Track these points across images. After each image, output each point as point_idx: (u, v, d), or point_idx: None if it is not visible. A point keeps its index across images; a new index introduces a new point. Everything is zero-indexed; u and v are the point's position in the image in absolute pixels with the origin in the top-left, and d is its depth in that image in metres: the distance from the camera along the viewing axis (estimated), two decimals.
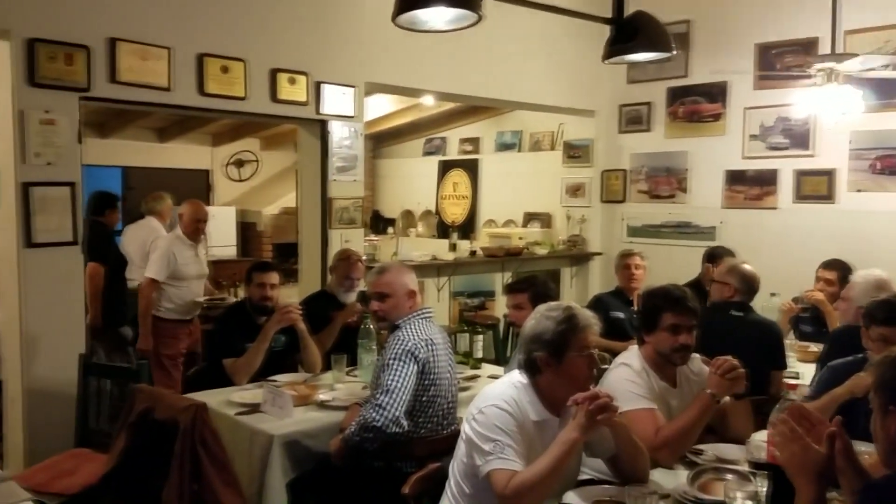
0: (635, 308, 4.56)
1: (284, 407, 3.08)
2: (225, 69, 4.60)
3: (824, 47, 5.44)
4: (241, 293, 5.56)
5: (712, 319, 3.44)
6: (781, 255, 5.87)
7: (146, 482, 2.66)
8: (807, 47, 5.83)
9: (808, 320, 4.60)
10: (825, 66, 4.54)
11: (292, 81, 4.91)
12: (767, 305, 4.57)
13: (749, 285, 3.84)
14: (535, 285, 3.59)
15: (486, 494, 2.15)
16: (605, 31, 3.24)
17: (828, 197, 5.86)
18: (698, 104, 6.56)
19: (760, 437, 2.25)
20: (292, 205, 7.98)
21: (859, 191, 5.73)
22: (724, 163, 6.42)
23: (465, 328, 4.36)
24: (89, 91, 4.08)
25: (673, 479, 2.33)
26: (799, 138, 5.99)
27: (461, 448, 2.28)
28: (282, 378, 3.62)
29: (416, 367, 2.89)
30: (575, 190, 7.56)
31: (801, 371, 3.82)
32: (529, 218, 8.43)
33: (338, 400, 3.27)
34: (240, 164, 9.68)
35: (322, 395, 3.33)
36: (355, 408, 3.06)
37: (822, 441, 1.63)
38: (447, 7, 2.53)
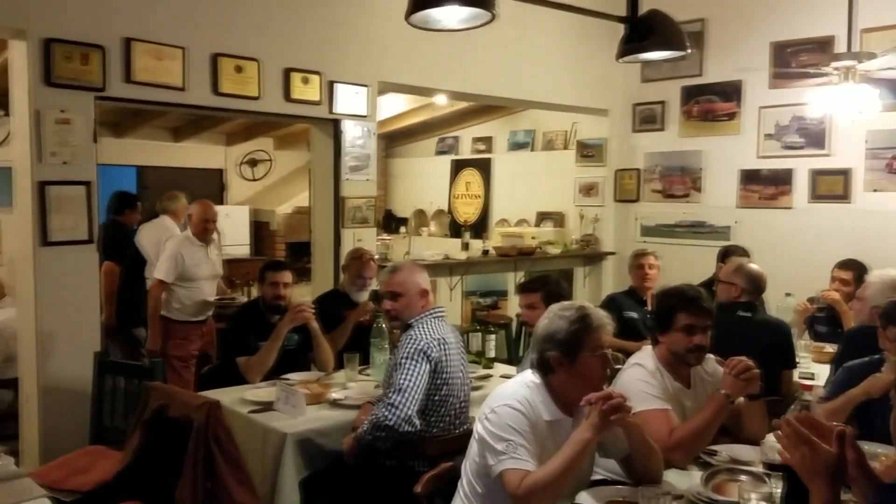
0: (649, 308, 4.55)
1: (297, 405, 3.08)
2: (239, 69, 4.61)
3: (840, 46, 5.39)
4: (255, 292, 5.58)
5: (720, 320, 3.42)
6: (796, 256, 5.83)
7: (160, 479, 2.67)
8: (822, 46, 5.78)
9: (824, 320, 4.56)
10: (844, 64, 4.50)
11: (305, 81, 4.92)
12: (782, 306, 4.54)
13: (756, 285, 3.81)
14: (547, 285, 3.57)
15: (498, 494, 2.15)
16: (619, 30, 3.23)
17: (843, 197, 5.81)
18: (713, 103, 6.52)
19: (774, 438, 2.23)
20: (305, 204, 8.01)
21: (875, 190, 5.67)
22: (738, 162, 6.38)
23: (478, 327, 4.35)
24: (104, 91, 4.11)
25: (686, 479, 2.32)
26: (814, 137, 5.94)
27: (474, 447, 2.27)
28: (295, 376, 3.63)
29: (428, 366, 2.89)
30: (588, 189, 7.54)
31: (816, 372, 3.79)
32: (542, 217, 8.42)
33: (350, 399, 3.28)
34: (253, 163, 9.72)
35: (334, 394, 3.33)
36: (368, 406, 3.07)
37: (831, 440, 1.61)
38: (461, 6, 2.53)
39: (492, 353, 4.23)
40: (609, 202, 7.33)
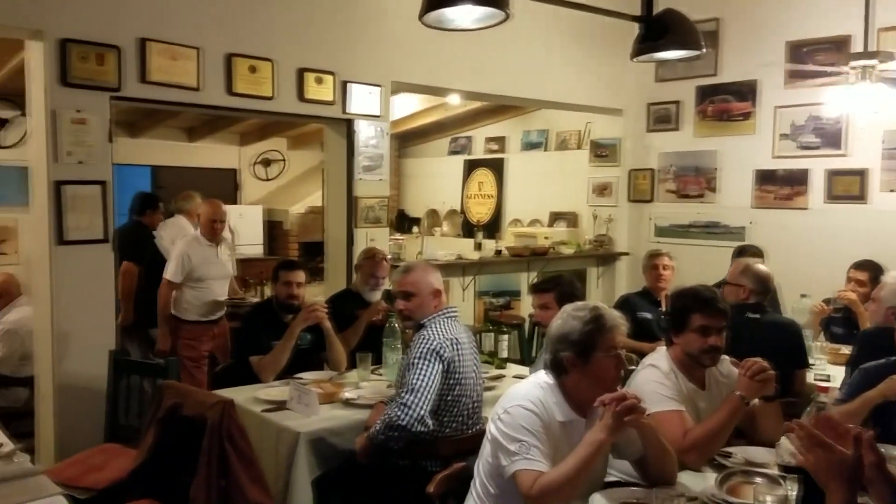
0: (663, 309, 4.53)
1: (310, 405, 3.09)
2: (253, 69, 4.63)
3: (857, 45, 5.35)
4: (268, 291, 5.60)
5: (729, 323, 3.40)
6: (812, 256, 5.79)
7: (174, 477, 2.69)
8: (839, 45, 5.73)
9: (839, 322, 4.53)
10: (863, 63, 4.47)
11: (319, 81, 4.93)
12: (798, 307, 4.51)
13: (763, 285, 3.78)
14: (561, 285, 3.56)
15: (511, 495, 2.14)
16: (634, 29, 3.22)
17: (860, 197, 5.75)
18: (728, 103, 6.48)
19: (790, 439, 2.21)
20: (318, 204, 8.04)
21: (892, 191, 5.62)
22: (753, 162, 6.34)
23: (491, 328, 4.35)
24: (120, 91, 4.13)
25: (701, 481, 2.30)
26: (831, 137, 5.89)
27: (486, 448, 2.27)
28: (308, 376, 3.64)
29: (441, 366, 2.89)
30: (602, 189, 7.51)
31: (832, 373, 3.77)
32: (555, 217, 8.39)
33: (363, 398, 3.28)
34: (267, 163, 9.75)
35: (347, 394, 3.34)
36: (380, 406, 3.07)
37: (848, 442, 1.60)
38: (474, 5, 2.53)
39: (504, 354, 4.23)
40: (623, 202, 7.30)
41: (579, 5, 3.21)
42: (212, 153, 9.33)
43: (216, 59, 4.49)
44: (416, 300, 3.07)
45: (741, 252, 4.94)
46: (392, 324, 3.68)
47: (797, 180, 6.10)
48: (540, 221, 8.56)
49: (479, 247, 7.53)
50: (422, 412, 2.78)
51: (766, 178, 6.29)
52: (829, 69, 5.16)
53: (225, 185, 9.30)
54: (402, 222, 9.86)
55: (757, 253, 5.00)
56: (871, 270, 4.48)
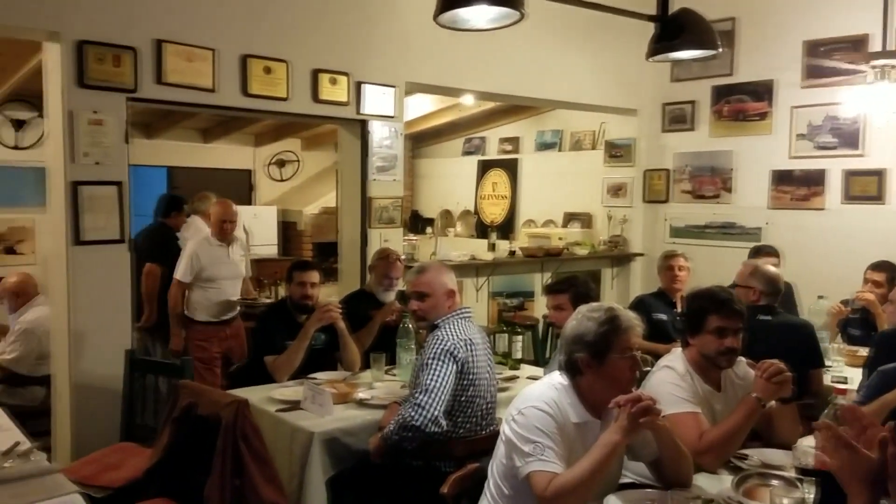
0: (678, 310, 4.50)
1: (324, 405, 3.10)
2: (268, 70, 4.65)
3: (875, 44, 5.30)
4: (282, 292, 5.61)
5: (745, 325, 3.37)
6: (829, 257, 5.74)
7: (189, 476, 2.70)
8: (857, 44, 5.68)
9: (857, 323, 4.49)
10: (882, 63, 4.43)
11: (333, 82, 4.94)
12: (815, 308, 4.47)
13: (774, 286, 3.75)
14: (575, 286, 3.55)
15: (525, 496, 2.13)
16: (649, 29, 3.21)
17: (878, 198, 5.70)
18: (744, 103, 6.44)
19: (808, 442, 2.20)
20: (332, 204, 8.05)
21: None
22: (770, 162, 6.29)
23: (504, 328, 4.35)
24: (136, 92, 4.16)
25: (717, 484, 2.28)
26: (848, 137, 5.84)
27: (500, 449, 2.26)
28: (322, 376, 3.65)
29: (454, 366, 2.88)
30: (616, 190, 7.48)
31: (849, 375, 3.74)
32: (569, 218, 8.37)
33: (377, 398, 3.28)
34: (281, 164, 9.78)
35: (361, 394, 3.34)
36: (394, 406, 3.07)
37: (873, 445, 1.58)
38: (489, 5, 2.52)
39: (518, 355, 4.23)
40: (638, 203, 7.26)
41: (594, 5, 3.20)
42: (227, 154, 9.37)
43: (231, 60, 4.51)
44: (430, 301, 3.06)
45: (757, 252, 4.91)
46: (406, 324, 3.68)
47: (814, 181, 6.05)
48: (554, 222, 8.54)
49: (492, 247, 7.51)
50: (436, 413, 2.78)
51: (782, 179, 6.24)
52: (848, 66, 5.10)
53: (240, 186, 9.34)
54: (416, 223, 9.87)
55: (772, 252, 4.96)
56: (888, 271, 4.44)
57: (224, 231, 4.99)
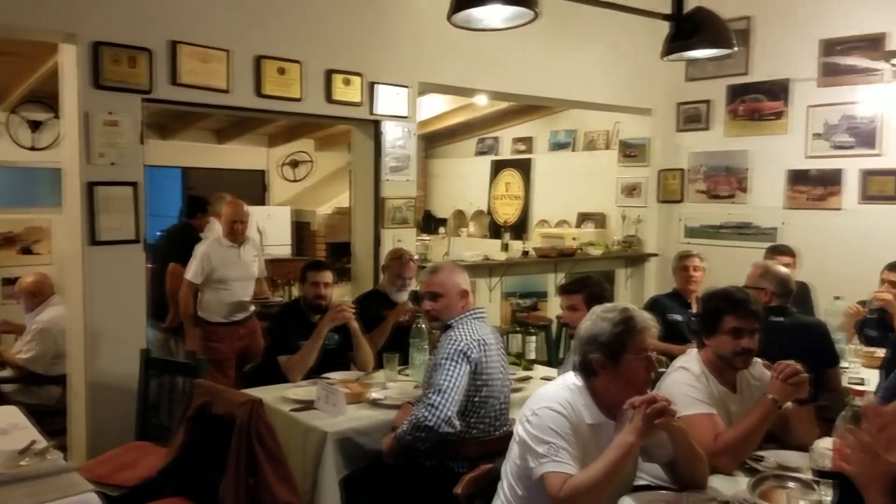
0: (693, 311, 4.47)
1: (338, 404, 3.10)
2: (281, 71, 4.66)
3: (892, 43, 5.26)
4: (296, 292, 5.62)
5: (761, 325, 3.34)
6: (845, 258, 5.69)
7: (204, 476, 2.71)
8: (874, 43, 5.63)
9: (874, 324, 4.44)
10: None
11: (347, 82, 4.95)
12: (831, 309, 4.44)
13: (785, 287, 3.70)
14: (589, 286, 3.53)
15: (539, 497, 2.13)
16: (663, 28, 3.19)
17: (895, 198, 5.65)
18: (759, 102, 6.39)
19: (824, 444, 2.17)
20: (346, 204, 8.05)
21: None
22: (786, 162, 6.25)
23: (518, 329, 4.34)
24: (151, 93, 4.18)
25: (733, 485, 2.27)
26: (865, 137, 5.79)
27: (514, 450, 2.26)
28: (335, 376, 3.65)
29: (468, 367, 2.88)
30: (631, 190, 7.45)
31: (866, 377, 3.70)
32: (583, 218, 8.34)
33: (390, 398, 3.28)
34: (295, 164, 9.81)
35: (374, 394, 3.34)
36: (407, 406, 3.07)
37: (892, 444, 1.57)
38: (503, 5, 2.52)
39: (532, 355, 4.22)
40: (652, 203, 7.23)
41: (609, 4, 3.19)
42: (240, 154, 9.41)
43: (245, 61, 4.53)
44: (443, 301, 3.06)
45: (773, 251, 4.88)
46: (419, 324, 3.68)
47: (830, 180, 6.00)
48: (567, 222, 8.51)
49: (505, 247, 7.50)
50: (449, 413, 2.77)
51: (798, 179, 6.20)
52: (865, 65, 5.05)
53: (253, 187, 9.38)
54: (429, 223, 9.86)
55: (787, 252, 4.92)
56: None
57: (234, 231, 4.97)
